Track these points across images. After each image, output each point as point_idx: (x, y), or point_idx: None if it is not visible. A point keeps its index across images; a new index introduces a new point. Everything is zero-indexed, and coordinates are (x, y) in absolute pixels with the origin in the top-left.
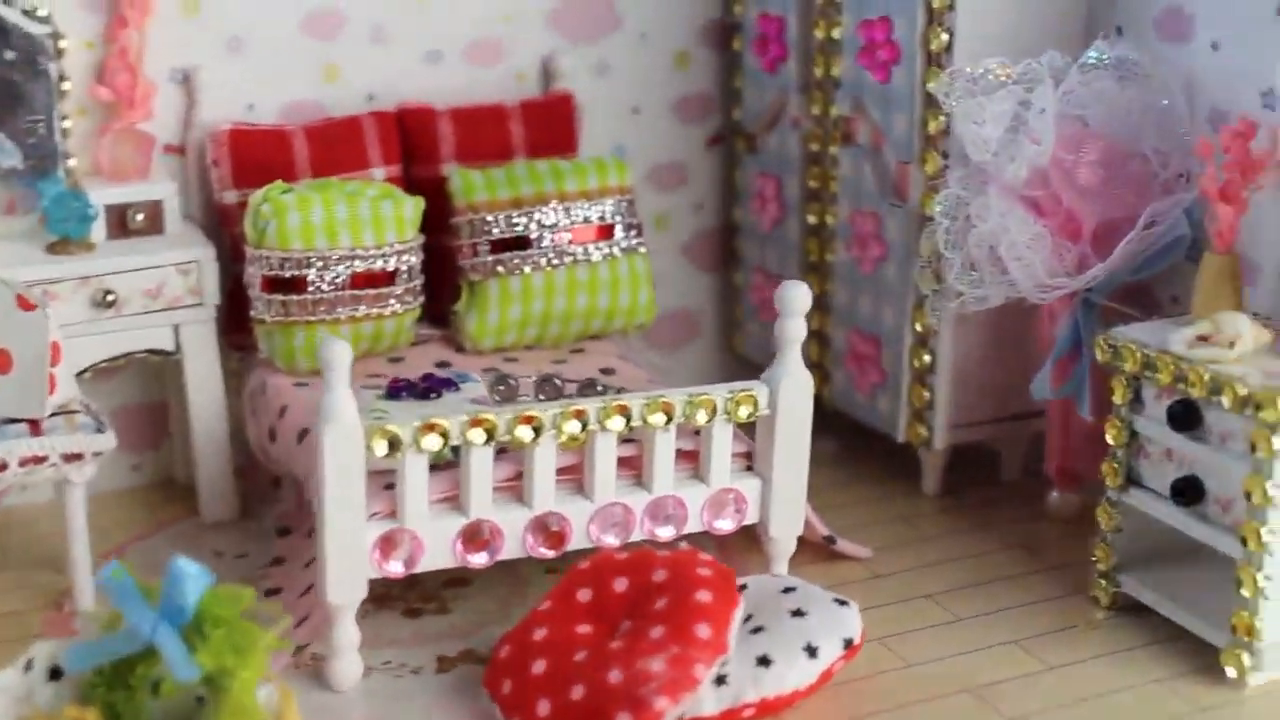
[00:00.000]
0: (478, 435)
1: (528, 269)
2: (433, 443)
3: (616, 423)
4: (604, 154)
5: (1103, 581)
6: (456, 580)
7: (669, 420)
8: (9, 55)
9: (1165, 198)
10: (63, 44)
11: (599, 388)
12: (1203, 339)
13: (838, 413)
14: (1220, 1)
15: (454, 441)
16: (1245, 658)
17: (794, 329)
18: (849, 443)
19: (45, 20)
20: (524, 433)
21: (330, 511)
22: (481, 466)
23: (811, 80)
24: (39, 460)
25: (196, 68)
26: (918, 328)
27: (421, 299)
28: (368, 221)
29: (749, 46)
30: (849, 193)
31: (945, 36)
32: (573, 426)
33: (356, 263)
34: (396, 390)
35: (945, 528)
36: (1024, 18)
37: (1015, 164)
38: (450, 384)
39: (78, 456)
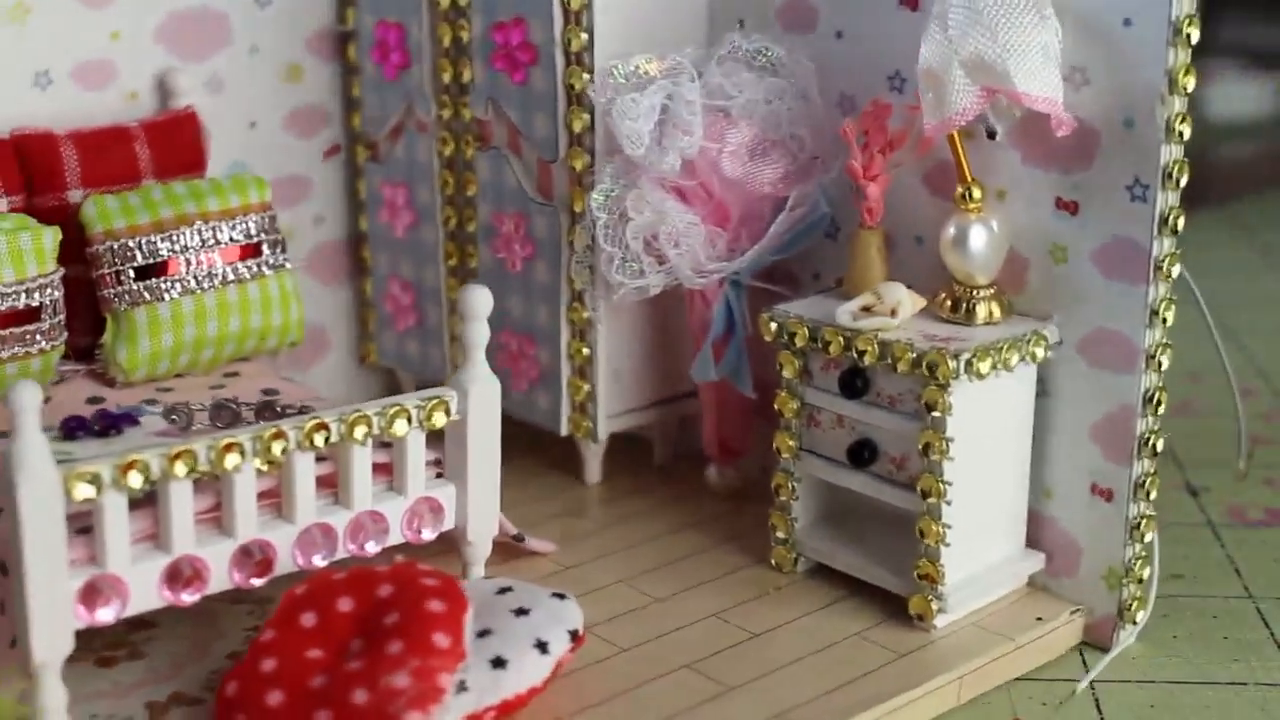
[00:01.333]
0: (179, 468)
1: (175, 293)
2: (135, 480)
3: (318, 440)
4: (224, 171)
5: (783, 549)
6: (141, 623)
7: (367, 434)
8: None
9: (806, 180)
10: None
11: (278, 409)
12: (865, 309)
13: None
14: None
15: (154, 476)
16: (933, 603)
17: (477, 332)
18: (505, 442)
19: None
20: (230, 460)
21: (30, 564)
22: (182, 501)
23: (439, 85)
24: None
25: None
26: (574, 322)
27: (64, 336)
28: (6, 256)
29: (367, 54)
30: (489, 195)
31: (584, 36)
32: (277, 448)
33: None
34: (72, 430)
35: (617, 515)
36: (655, 15)
37: (669, 156)
38: (128, 418)
39: None
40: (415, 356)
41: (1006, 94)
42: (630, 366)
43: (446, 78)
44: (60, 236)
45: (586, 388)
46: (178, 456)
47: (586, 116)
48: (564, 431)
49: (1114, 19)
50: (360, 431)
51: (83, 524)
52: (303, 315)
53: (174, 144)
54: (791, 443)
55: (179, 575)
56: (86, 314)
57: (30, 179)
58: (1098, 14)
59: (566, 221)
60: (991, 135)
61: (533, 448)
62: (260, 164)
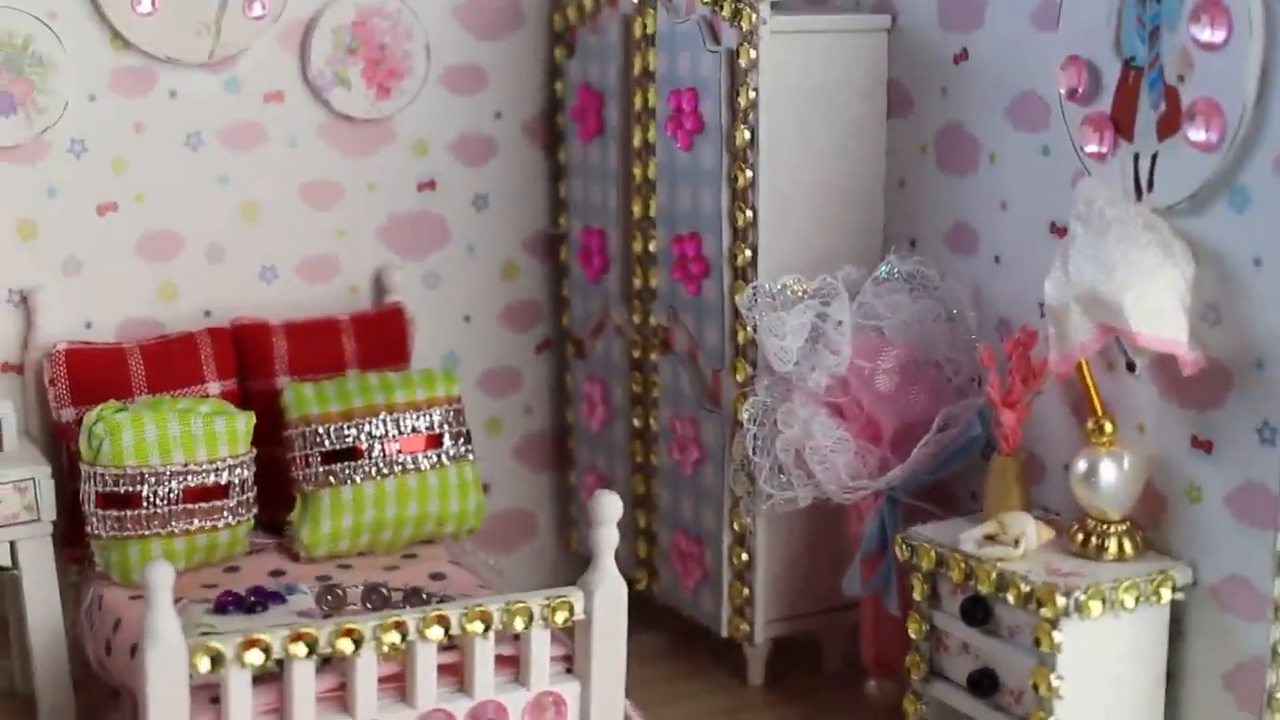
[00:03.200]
0: (299, 649)
1: (358, 478)
2: (255, 657)
3: (435, 632)
4: (436, 362)
5: None
6: None
7: (487, 628)
8: None
9: (958, 401)
10: None
11: (424, 595)
12: (990, 538)
13: (666, 609)
14: (1001, 218)
15: (276, 655)
16: None
17: (605, 537)
18: (676, 638)
19: None
20: (345, 645)
21: None
22: (304, 680)
23: (631, 290)
24: None
25: (34, 289)
26: (735, 527)
27: (255, 510)
28: (201, 438)
29: (574, 257)
30: (669, 398)
31: (749, 253)
32: (392, 637)
33: (189, 477)
34: (224, 605)
35: (770, 719)
36: (824, 233)
37: (816, 373)
38: (277, 597)
39: None
40: None
41: (1121, 333)
42: (792, 573)
43: (637, 284)
44: (254, 421)
45: (746, 591)
46: (298, 638)
47: (749, 329)
48: (724, 633)
49: (1244, 258)
50: (476, 626)
51: (215, 693)
52: (481, 504)
53: (379, 336)
54: (921, 664)
55: None
56: (282, 491)
57: (244, 364)
58: (1229, 253)
59: (729, 429)
60: (1131, 368)
61: (703, 646)
62: (473, 356)
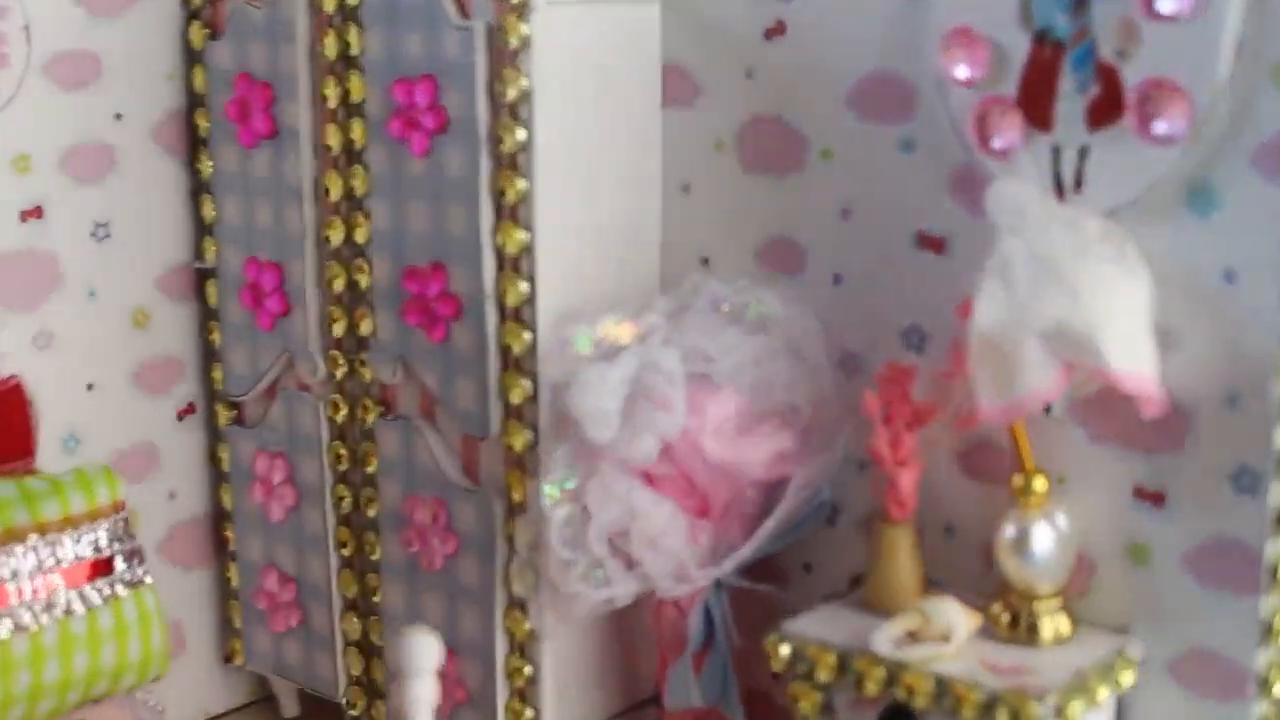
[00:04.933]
0: None
1: (4, 633)
2: None
3: None
4: (55, 447)
5: None
6: None
7: None
8: None
9: (806, 459)
10: None
11: None
12: (911, 635)
13: None
14: (841, 229)
15: None
16: None
17: (420, 692)
18: None
19: None
20: None
21: None
22: None
23: (329, 339)
24: None
25: None
26: (514, 635)
27: None
28: None
29: (234, 298)
30: (396, 473)
31: (525, 286)
32: None
33: None
34: None
35: None
36: (604, 258)
37: (644, 440)
38: None
39: None
40: (297, 663)
41: (1094, 373)
42: (584, 683)
43: (337, 330)
44: None
45: (529, 713)
46: None
47: (527, 384)
48: None
49: (1211, 272)
50: None
51: None
52: (166, 641)
53: None
54: None
55: None
56: None
57: None
58: (1192, 267)
59: (501, 512)
60: (1046, 409)
61: None
62: (101, 432)
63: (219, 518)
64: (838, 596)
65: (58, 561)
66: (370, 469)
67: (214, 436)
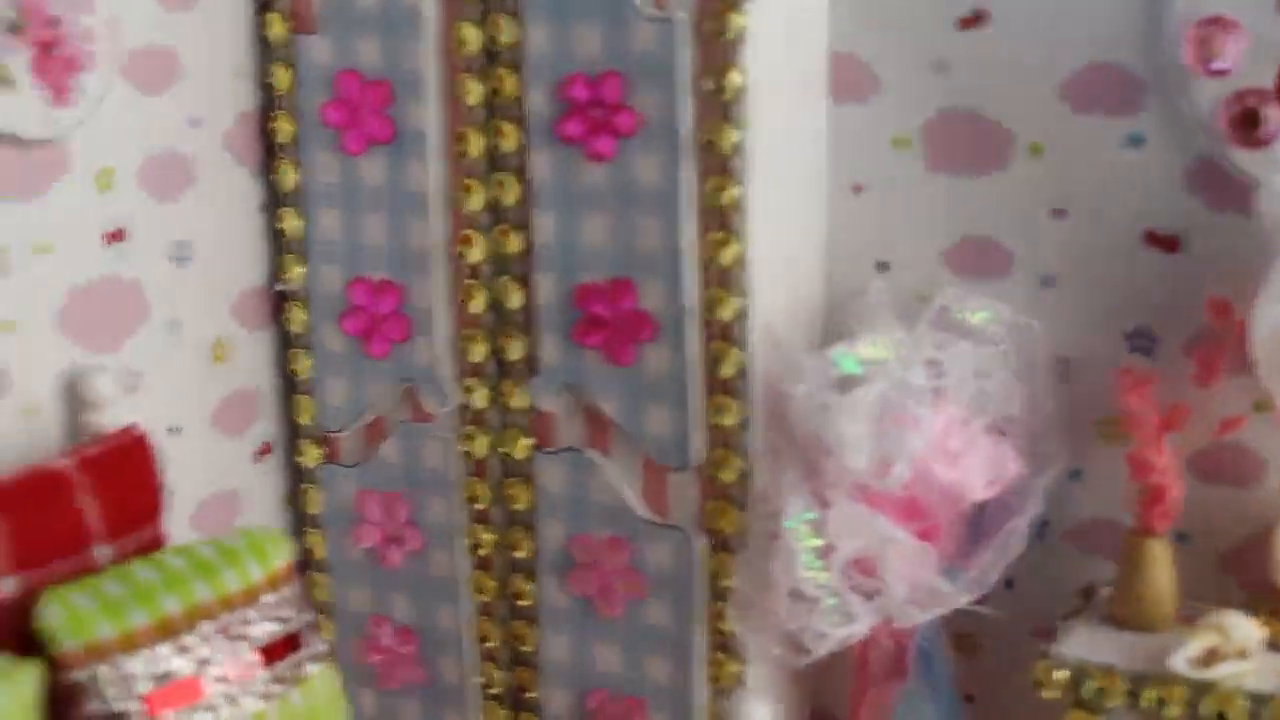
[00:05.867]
0: None
1: None
2: None
3: None
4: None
5: None
6: None
7: None
8: None
9: (1030, 477)
10: None
11: None
12: (1211, 653)
13: None
14: (1049, 227)
15: None
16: None
17: None
18: None
19: None
20: None
21: None
22: None
23: (465, 365)
24: None
25: None
26: (718, 681)
27: None
28: None
29: (331, 322)
30: (561, 511)
31: (738, 302)
32: None
33: None
34: None
35: None
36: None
37: (898, 465)
38: None
39: None
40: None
41: None
42: None
43: (476, 356)
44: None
45: None
46: None
47: (740, 409)
48: None
49: None
50: None
51: None
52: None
53: (121, 485)
54: None
55: None
56: None
57: None
58: None
59: (703, 549)
60: None
61: None
62: (185, 481)
63: (304, 568)
64: (1083, 615)
65: (247, 640)
66: (519, 506)
67: (296, 477)
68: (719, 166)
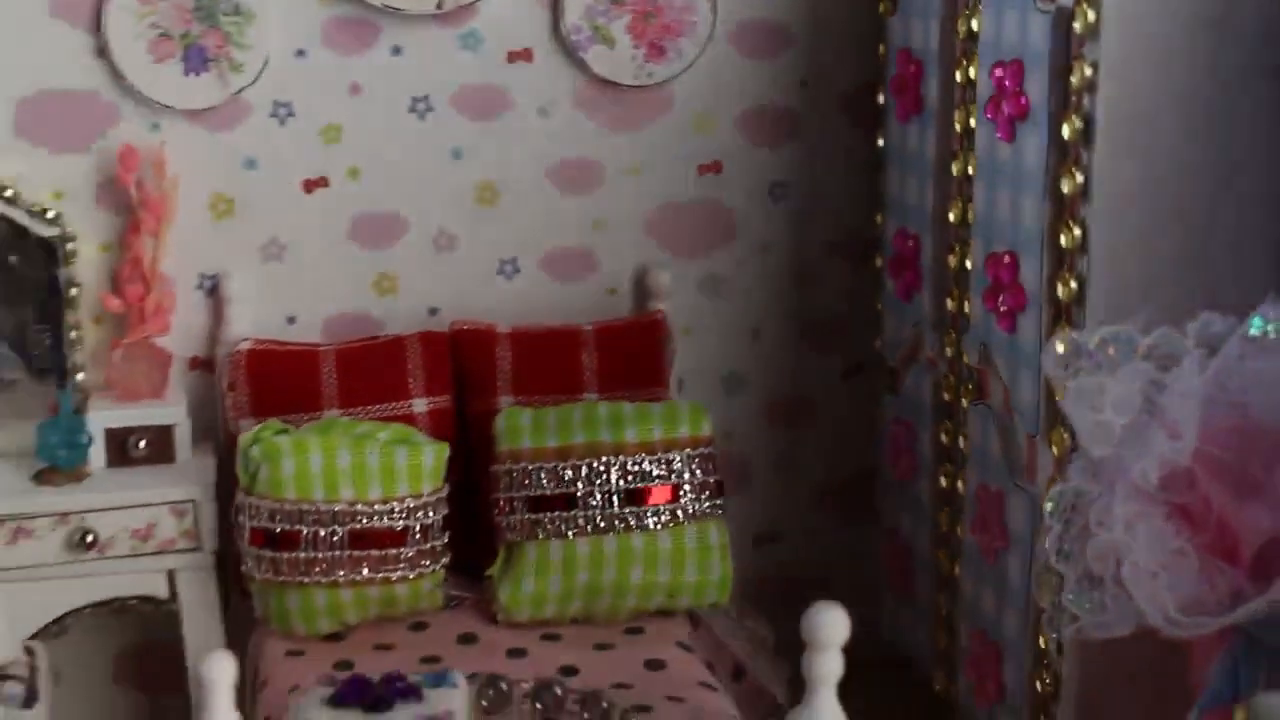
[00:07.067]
0: None
1: (571, 533)
2: None
3: None
4: (715, 383)
5: None
6: None
7: None
8: (13, 259)
9: None
10: (72, 247)
11: (603, 705)
12: None
13: None
14: None
15: None
16: None
17: (823, 666)
18: None
19: (54, 221)
20: None
21: None
22: None
23: (944, 316)
24: None
25: (227, 275)
26: (1039, 643)
27: (444, 560)
28: (376, 472)
29: (886, 267)
30: (977, 460)
31: (1074, 285)
32: None
33: (359, 520)
34: (343, 696)
35: None
36: (1181, 264)
37: (1144, 461)
38: (414, 692)
39: None
40: (905, 628)
41: None
42: (1111, 712)
43: (950, 307)
44: (447, 453)
45: None
46: None
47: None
48: None
49: None
50: None
51: None
52: (728, 575)
53: (628, 352)
54: None
55: None
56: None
57: (462, 378)
58: None
59: (1039, 516)
60: None
61: None
62: (761, 379)
63: (868, 481)
64: None
65: (629, 479)
66: (963, 449)
67: (873, 400)
68: (1072, 153)
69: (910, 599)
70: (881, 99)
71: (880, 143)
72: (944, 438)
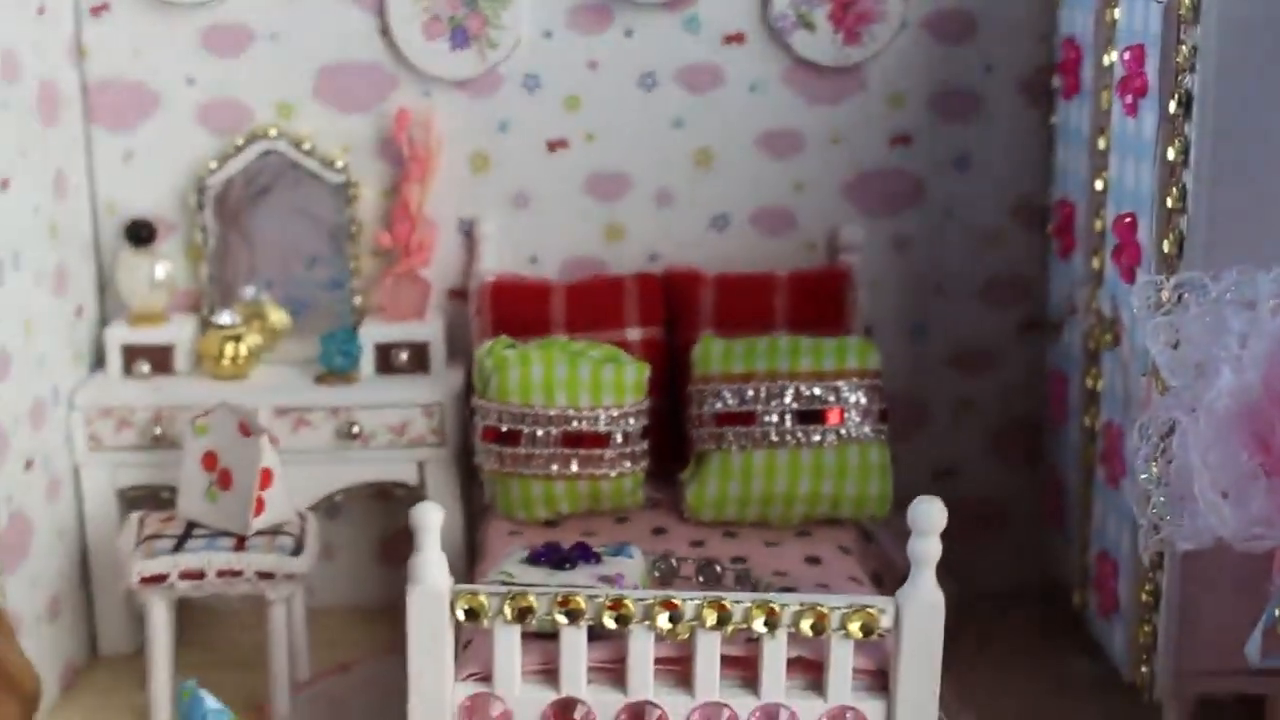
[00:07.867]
0: (563, 615)
1: (748, 445)
2: (514, 614)
3: (712, 620)
4: (903, 334)
5: None
6: None
7: (772, 628)
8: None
9: None
10: (354, 193)
11: (752, 580)
12: None
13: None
14: None
15: (540, 614)
16: None
17: (924, 548)
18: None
19: (342, 170)
20: (609, 619)
21: (416, 670)
22: (573, 646)
23: (1090, 273)
24: (234, 574)
25: (479, 219)
26: (1146, 557)
27: (644, 463)
28: (586, 383)
29: (1053, 231)
30: (1107, 399)
31: (1175, 242)
32: (663, 620)
33: (570, 423)
34: (537, 556)
35: None
36: (1268, 223)
37: (1212, 395)
38: (594, 557)
39: (270, 575)
40: (1058, 558)
41: None
42: (1214, 621)
43: (1095, 265)
44: (648, 372)
45: (1149, 632)
46: (564, 603)
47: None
48: (1128, 678)
49: None
50: (760, 624)
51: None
52: (887, 492)
53: (816, 298)
54: None
55: (568, 713)
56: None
57: (671, 313)
58: None
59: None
60: None
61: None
62: (944, 330)
63: (1038, 424)
64: None
65: (799, 402)
66: (1101, 392)
67: (1041, 351)
68: (1177, 128)
69: (1061, 530)
70: (1055, 82)
71: (1052, 120)
72: (1089, 383)
